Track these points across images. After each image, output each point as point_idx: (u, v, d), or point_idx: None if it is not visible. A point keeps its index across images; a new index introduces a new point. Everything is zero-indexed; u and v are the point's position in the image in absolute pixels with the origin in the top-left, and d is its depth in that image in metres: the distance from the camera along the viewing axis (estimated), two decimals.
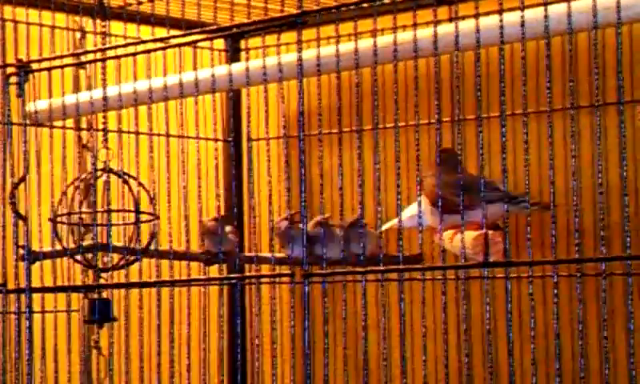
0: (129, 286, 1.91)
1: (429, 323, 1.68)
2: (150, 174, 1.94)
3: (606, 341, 1.49)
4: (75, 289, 1.98)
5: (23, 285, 1.96)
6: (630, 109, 2.06)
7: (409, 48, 1.68)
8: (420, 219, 1.67)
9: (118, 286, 1.95)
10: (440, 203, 1.71)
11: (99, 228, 2.05)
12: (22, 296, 1.96)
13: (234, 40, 2.69)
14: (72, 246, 2.03)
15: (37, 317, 1.99)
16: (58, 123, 2.18)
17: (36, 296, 1.98)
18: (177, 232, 1.93)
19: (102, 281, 2.06)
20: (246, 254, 2.28)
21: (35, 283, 1.97)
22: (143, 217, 2.08)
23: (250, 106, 1.85)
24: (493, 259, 1.64)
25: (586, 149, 2.11)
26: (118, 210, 2.05)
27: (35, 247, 2.03)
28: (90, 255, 2.08)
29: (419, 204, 1.70)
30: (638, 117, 1.84)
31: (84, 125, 2.40)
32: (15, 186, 1.98)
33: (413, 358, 2.25)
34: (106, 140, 2.02)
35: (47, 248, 2.04)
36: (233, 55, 2.66)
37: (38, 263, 2.00)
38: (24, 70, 1.98)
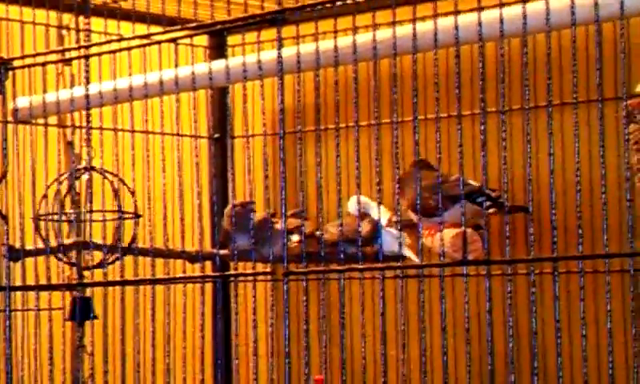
0: (109, 284, 1.90)
1: (411, 320, 1.67)
2: (131, 172, 1.93)
3: (585, 338, 1.49)
4: (56, 287, 1.97)
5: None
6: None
7: (389, 45, 1.68)
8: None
9: (99, 284, 1.94)
10: (418, 206, 1.70)
11: (84, 226, 2.03)
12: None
13: (218, 37, 2.68)
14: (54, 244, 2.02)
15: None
16: (41, 121, 2.17)
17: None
18: (160, 230, 1.92)
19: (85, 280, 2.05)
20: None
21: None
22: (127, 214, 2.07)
23: (231, 104, 1.84)
24: (471, 257, 1.63)
25: (569, 145, 2.10)
26: (100, 210, 2.04)
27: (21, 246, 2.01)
28: (72, 253, 2.07)
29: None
30: (622, 113, 1.84)
31: (68, 122, 2.38)
32: None
33: (394, 356, 2.24)
34: (88, 138, 2.01)
35: (30, 246, 2.03)
36: (216, 53, 2.65)
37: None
38: (4, 66, 1.97)
